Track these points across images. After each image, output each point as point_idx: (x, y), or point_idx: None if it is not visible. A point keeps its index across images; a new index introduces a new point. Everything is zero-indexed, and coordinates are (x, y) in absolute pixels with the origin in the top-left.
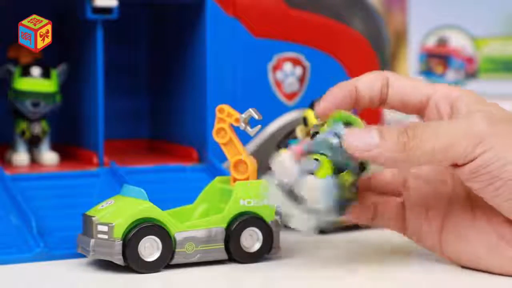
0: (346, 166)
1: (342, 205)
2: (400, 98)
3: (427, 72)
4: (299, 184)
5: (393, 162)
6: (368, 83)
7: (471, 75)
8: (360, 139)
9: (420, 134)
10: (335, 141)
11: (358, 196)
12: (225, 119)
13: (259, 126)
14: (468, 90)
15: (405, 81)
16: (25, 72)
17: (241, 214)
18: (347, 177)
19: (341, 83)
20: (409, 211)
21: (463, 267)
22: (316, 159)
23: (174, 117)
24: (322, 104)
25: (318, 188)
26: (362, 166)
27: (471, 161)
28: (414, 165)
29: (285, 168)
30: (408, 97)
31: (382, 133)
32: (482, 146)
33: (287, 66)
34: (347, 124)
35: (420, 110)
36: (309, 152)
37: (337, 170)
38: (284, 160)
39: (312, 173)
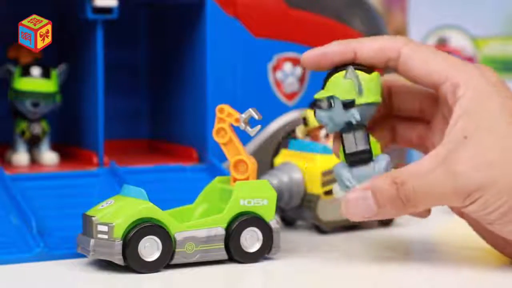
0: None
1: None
2: (409, 77)
3: None
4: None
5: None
6: (371, 54)
7: None
8: (358, 209)
9: (414, 196)
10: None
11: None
12: (225, 119)
13: (259, 126)
14: (477, 86)
15: (418, 62)
16: (25, 72)
17: (241, 214)
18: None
19: (342, 42)
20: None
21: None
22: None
23: (174, 117)
24: (313, 52)
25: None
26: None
27: (467, 206)
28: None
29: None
30: (417, 80)
31: (377, 200)
32: (471, 198)
33: (287, 66)
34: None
35: (433, 88)
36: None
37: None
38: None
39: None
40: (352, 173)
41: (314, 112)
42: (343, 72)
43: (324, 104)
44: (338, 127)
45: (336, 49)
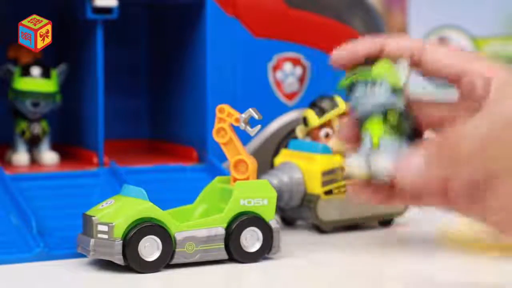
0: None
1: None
2: (433, 69)
3: None
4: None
5: None
6: (397, 49)
7: None
8: (409, 168)
9: (457, 149)
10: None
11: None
12: (225, 119)
13: (259, 126)
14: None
15: (443, 54)
16: (25, 72)
17: (241, 214)
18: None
19: (368, 39)
20: None
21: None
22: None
23: (174, 117)
24: (344, 50)
25: (356, 165)
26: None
27: None
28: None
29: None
30: (441, 70)
31: (425, 157)
32: None
33: (287, 66)
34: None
35: (453, 82)
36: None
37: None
38: (352, 171)
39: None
40: None
41: (351, 87)
42: (387, 61)
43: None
44: (368, 111)
45: (366, 46)
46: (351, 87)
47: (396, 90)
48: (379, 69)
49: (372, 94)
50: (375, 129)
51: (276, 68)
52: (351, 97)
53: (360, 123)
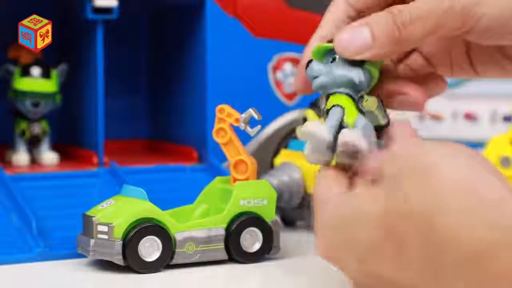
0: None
1: (378, 134)
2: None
3: None
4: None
5: (386, 55)
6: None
7: None
8: (352, 43)
9: (409, 21)
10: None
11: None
12: (225, 119)
13: (259, 126)
14: None
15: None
16: (25, 72)
17: (241, 214)
18: (372, 104)
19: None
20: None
21: None
22: (337, 105)
23: (174, 117)
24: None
25: (357, 137)
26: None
27: (469, 31)
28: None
29: (317, 139)
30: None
31: (372, 30)
32: (472, 16)
33: (287, 66)
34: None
35: None
36: (326, 95)
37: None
38: (314, 131)
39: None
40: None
41: (308, 63)
42: None
43: (326, 59)
44: (329, 88)
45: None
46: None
47: (355, 62)
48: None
49: (343, 66)
50: (349, 109)
51: (276, 68)
52: (308, 68)
53: (324, 93)
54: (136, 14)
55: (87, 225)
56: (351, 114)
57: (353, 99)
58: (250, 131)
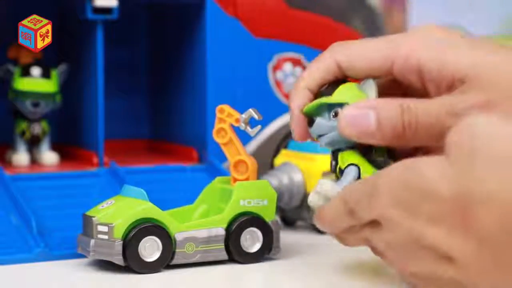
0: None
1: None
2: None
3: None
4: None
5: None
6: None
7: None
8: (356, 124)
9: (415, 123)
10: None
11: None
12: (225, 119)
13: (259, 126)
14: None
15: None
16: (25, 72)
17: (241, 214)
18: (382, 153)
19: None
20: None
21: None
22: (352, 164)
23: (174, 117)
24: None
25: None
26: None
27: None
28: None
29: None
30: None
31: (379, 118)
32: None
33: (287, 66)
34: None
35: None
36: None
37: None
38: (332, 195)
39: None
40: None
41: (310, 122)
42: (351, 84)
43: (327, 114)
44: (336, 144)
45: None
46: (314, 114)
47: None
48: (341, 93)
49: (333, 123)
50: (364, 166)
51: (276, 68)
52: (313, 126)
53: (332, 151)
54: (136, 14)
55: (87, 225)
56: (368, 171)
57: (361, 152)
58: (250, 131)
